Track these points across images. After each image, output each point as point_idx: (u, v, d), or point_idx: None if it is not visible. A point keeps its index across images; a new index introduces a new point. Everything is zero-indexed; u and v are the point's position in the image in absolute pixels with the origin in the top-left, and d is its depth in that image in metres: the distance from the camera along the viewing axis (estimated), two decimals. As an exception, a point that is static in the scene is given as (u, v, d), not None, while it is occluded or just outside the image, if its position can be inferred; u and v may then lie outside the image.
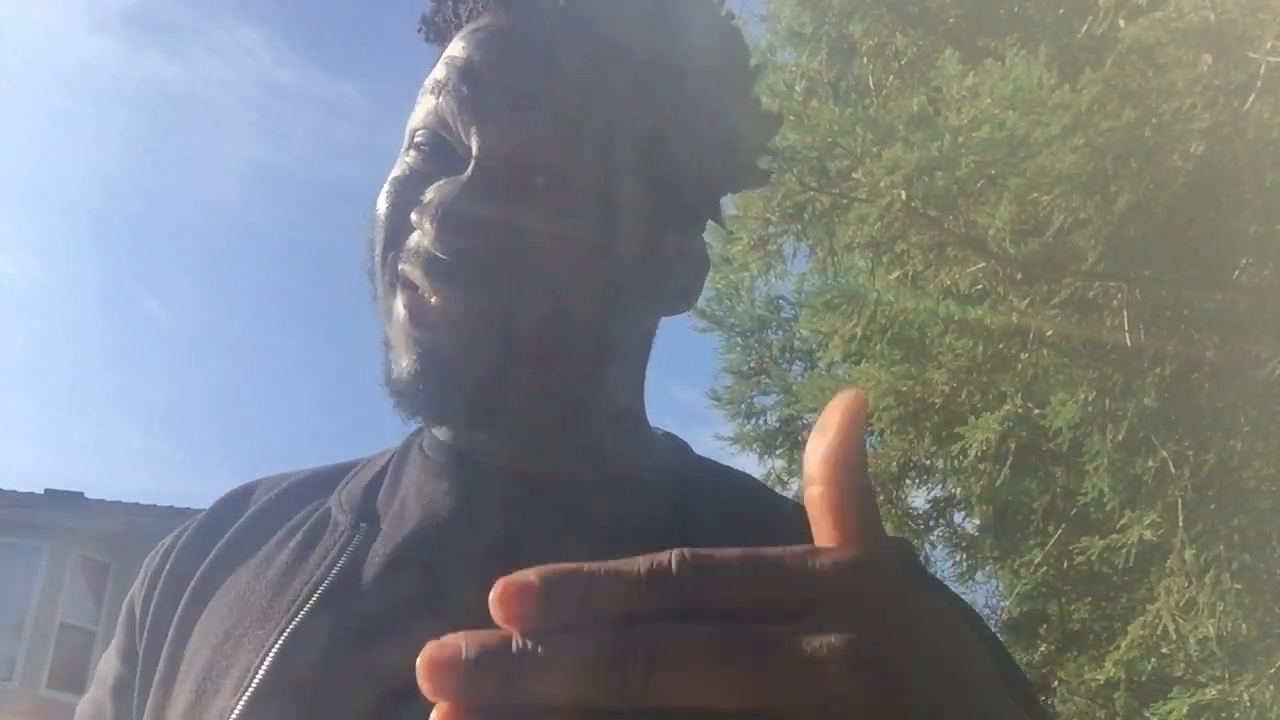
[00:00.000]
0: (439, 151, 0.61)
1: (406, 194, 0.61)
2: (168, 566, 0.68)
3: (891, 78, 3.85)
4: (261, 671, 0.56)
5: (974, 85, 2.82)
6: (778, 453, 4.86)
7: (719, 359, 4.80)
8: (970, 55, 3.25)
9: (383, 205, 0.62)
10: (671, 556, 0.29)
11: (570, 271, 0.59)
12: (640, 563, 0.29)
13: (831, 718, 0.28)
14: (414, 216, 0.58)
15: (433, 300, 0.58)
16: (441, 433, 0.65)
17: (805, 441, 0.31)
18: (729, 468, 0.71)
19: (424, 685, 0.28)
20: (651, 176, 0.61)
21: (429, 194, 0.58)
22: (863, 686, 0.28)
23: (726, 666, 0.27)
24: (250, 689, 0.55)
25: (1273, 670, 3.04)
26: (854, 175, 3.07)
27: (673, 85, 0.62)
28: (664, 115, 0.62)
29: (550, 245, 0.58)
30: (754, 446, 4.90)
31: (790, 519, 0.61)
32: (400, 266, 0.60)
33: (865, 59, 3.94)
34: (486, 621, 0.28)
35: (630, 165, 0.60)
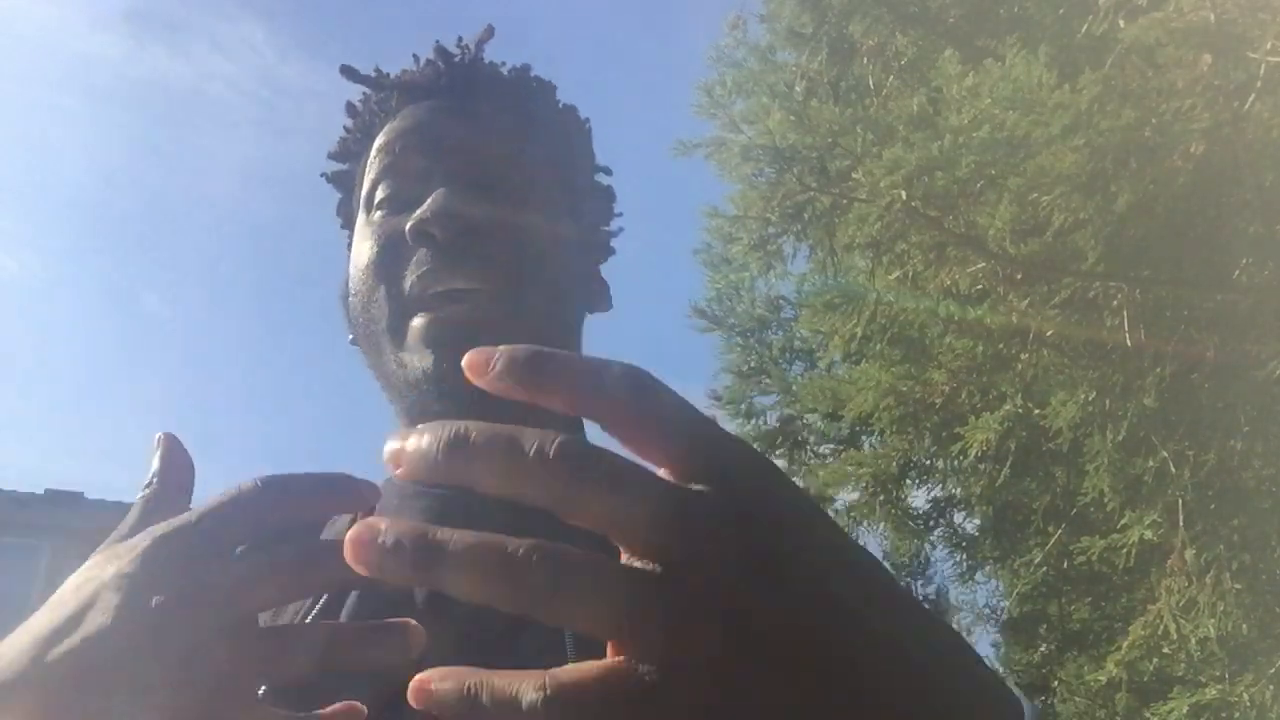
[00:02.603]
0: (400, 203, 0.69)
1: (389, 238, 0.68)
2: None
3: (891, 78, 3.85)
4: None
5: (974, 85, 2.82)
6: (778, 452, 4.86)
7: (719, 359, 4.80)
8: (970, 55, 3.25)
9: (367, 254, 0.69)
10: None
11: (546, 252, 0.70)
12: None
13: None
14: (408, 228, 0.66)
15: (448, 288, 0.65)
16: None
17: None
18: None
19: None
20: (567, 203, 0.75)
21: (417, 212, 0.66)
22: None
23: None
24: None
25: (1273, 670, 3.04)
26: (854, 175, 3.07)
27: (557, 138, 0.78)
28: (559, 157, 0.76)
29: (524, 227, 0.69)
30: (754, 446, 4.89)
31: None
32: (409, 291, 0.66)
33: (865, 59, 3.94)
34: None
35: (555, 190, 0.74)
